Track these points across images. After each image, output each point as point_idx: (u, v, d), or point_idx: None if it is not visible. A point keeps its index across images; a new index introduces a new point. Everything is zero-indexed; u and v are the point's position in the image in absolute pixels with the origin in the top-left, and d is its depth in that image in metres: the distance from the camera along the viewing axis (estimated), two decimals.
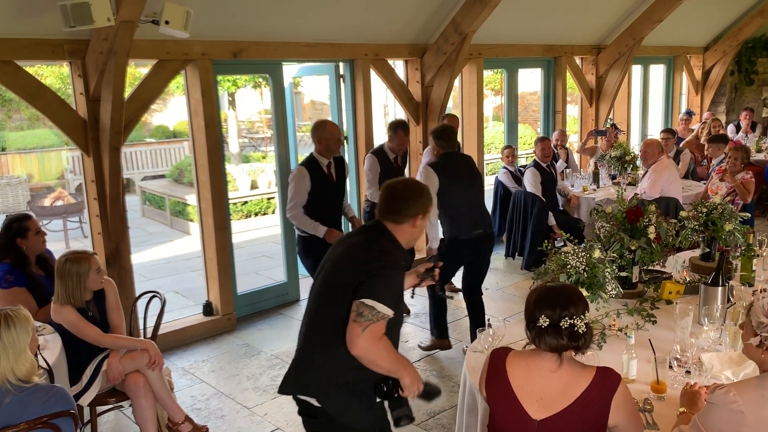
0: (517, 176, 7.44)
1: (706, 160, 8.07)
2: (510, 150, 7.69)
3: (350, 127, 6.71)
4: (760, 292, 2.12)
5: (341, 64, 6.60)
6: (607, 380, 2.10)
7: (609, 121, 9.60)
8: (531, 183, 6.82)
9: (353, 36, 6.31)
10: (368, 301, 2.30)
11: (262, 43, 5.66)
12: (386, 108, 18.91)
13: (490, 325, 3.12)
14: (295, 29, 5.78)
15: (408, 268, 2.73)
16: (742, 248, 3.83)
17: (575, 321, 2.05)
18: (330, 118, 6.93)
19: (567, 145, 8.40)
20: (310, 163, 4.93)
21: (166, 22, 4.32)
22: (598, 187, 7.47)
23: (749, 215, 4.16)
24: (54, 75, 13.79)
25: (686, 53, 11.03)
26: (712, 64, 11.33)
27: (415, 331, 5.59)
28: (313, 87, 19.09)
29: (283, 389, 2.60)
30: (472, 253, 4.81)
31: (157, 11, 4.33)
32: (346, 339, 2.31)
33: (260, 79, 13.60)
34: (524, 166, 7.53)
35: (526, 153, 13.04)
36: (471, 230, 4.69)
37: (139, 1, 4.14)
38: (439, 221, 4.82)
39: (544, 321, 2.07)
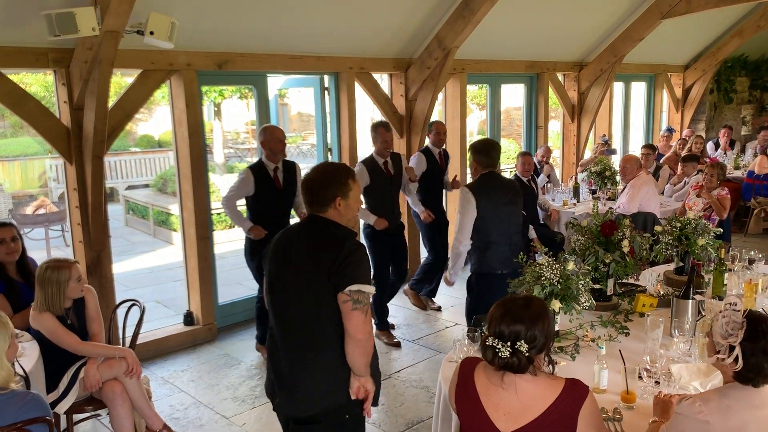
0: None
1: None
2: None
3: (335, 139, 6.76)
4: (719, 312, 2.19)
5: (326, 77, 6.66)
6: (575, 392, 2.11)
7: (603, 137, 9.75)
8: None
9: (338, 49, 6.38)
10: (356, 287, 2.38)
11: (247, 55, 5.70)
12: (373, 120, 19.02)
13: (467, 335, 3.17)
14: (280, 42, 5.84)
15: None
16: (715, 262, 3.91)
17: (497, 344, 2.05)
18: (314, 130, 7.01)
19: (551, 160, 8.51)
20: (257, 166, 5.06)
21: (151, 33, 4.35)
22: (578, 202, 7.57)
23: (721, 230, 4.24)
24: (39, 83, 13.74)
25: (667, 71, 11.23)
26: (692, 82, 11.55)
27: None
28: (300, 99, 19.17)
29: (285, 410, 2.62)
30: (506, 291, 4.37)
31: (142, 22, 4.36)
32: (349, 330, 2.39)
33: (246, 90, 13.64)
34: None
35: (509, 167, 13.16)
36: (506, 264, 4.08)
37: (124, 12, 4.18)
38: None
39: (488, 334, 2.11)
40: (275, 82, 7.13)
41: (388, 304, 5.77)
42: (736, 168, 9.66)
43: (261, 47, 5.78)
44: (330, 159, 6.82)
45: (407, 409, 4.44)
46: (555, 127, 13.71)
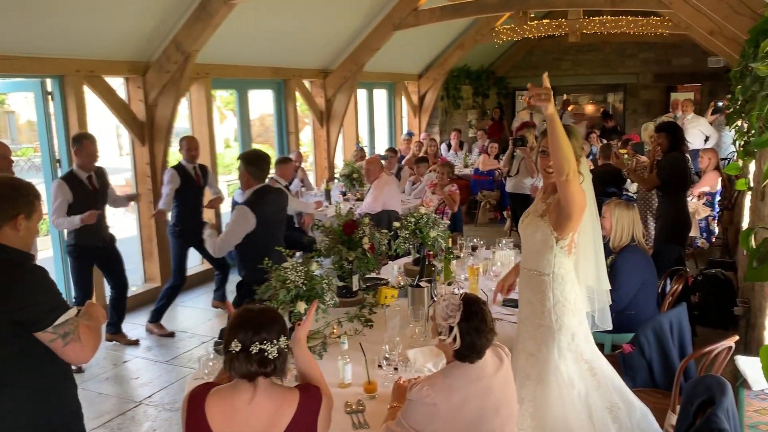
0: None
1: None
2: None
3: (63, 149, 6.08)
4: (441, 297, 2.40)
5: (48, 81, 5.96)
6: (311, 400, 2.07)
7: (357, 144, 10.21)
8: None
9: (61, 50, 5.75)
10: (61, 319, 2.18)
11: None
12: (118, 129, 17.65)
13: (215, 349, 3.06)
14: None
15: None
16: (444, 252, 4.31)
17: (266, 346, 1.98)
18: (38, 141, 6.26)
19: (303, 165, 8.69)
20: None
21: None
22: (330, 204, 7.82)
23: (449, 222, 4.69)
24: None
25: (404, 80, 12.18)
26: (426, 90, 12.66)
27: (147, 366, 5.24)
28: (30, 105, 17.03)
29: None
30: None
31: None
32: (74, 363, 2.31)
33: None
34: None
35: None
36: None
37: None
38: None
39: (235, 346, 1.97)
40: None
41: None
42: (466, 166, 10.83)
43: None
44: (60, 172, 6.13)
45: None
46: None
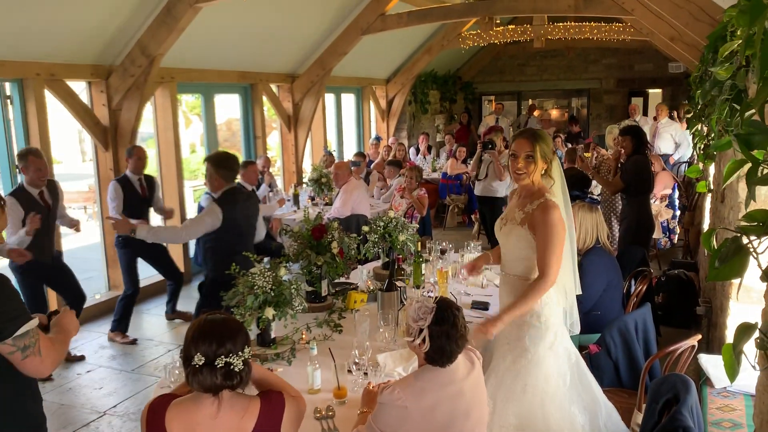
0: None
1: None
2: None
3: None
4: (413, 299, 2.40)
5: (7, 84, 5.81)
6: (273, 407, 2.01)
7: (325, 149, 10.17)
8: None
9: (21, 53, 5.61)
10: (21, 331, 2.09)
11: None
12: (81, 134, 17.29)
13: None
14: None
15: None
16: (413, 255, 4.31)
17: (231, 359, 1.90)
18: None
19: (271, 170, 8.62)
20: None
21: None
22: (299, 209, 7.78)
23: (417, 226, 4.71)
24: None
25: (372, 84, 12.18)
26: (394, 94, 12.69)
27: (111, 375, 5.12)
28: None
29: None
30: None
31: None
32: (35, 376, 2.23)
33: None
34: None
35: None
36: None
37: None
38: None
39: (199, 360, 1.88)
40: None
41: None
42: (434, 170, 10.88)
43: None
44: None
45: None
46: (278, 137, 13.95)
